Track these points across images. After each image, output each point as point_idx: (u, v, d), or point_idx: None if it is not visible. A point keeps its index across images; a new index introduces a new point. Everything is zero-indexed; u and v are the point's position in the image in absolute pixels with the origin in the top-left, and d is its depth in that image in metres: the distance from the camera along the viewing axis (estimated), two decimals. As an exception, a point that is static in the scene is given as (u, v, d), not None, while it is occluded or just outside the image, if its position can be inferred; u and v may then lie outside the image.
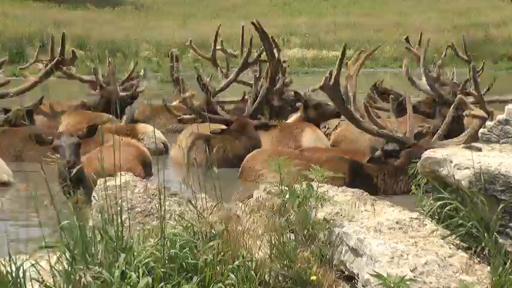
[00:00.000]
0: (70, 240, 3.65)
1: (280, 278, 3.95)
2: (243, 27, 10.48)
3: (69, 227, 3.68)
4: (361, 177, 7.25)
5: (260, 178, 7.56)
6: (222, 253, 3.84)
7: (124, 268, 3.57)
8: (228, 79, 10.26)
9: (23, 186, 6.67)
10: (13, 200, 7.35)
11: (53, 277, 3.60)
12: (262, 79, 9.48)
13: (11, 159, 8.76)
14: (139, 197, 4.82)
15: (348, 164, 7.32)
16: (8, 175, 7.76)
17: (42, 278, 3.64)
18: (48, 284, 3.61)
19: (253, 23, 8.87)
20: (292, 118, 10.65)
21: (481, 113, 6.25)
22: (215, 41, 11.81)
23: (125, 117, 11.04)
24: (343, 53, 6.99)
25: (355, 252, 4.07)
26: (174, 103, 11.93)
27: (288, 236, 4.12)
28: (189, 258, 3.77)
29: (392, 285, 3.56)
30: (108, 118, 10.26)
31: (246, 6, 42.69)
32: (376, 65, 25.68)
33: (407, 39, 11.46)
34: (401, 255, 3.86)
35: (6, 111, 9.91)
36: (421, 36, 11.50)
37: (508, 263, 3.81)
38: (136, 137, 9.50)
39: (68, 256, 3.64)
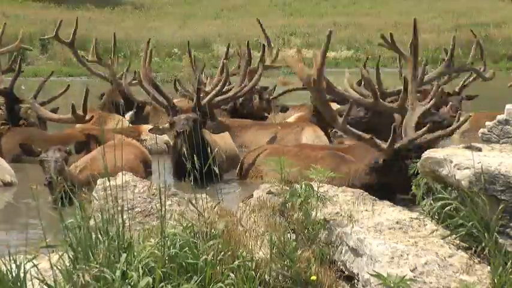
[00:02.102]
0: (73, 239, 3.66)
1: (280, 278, 3.95)
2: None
3: (72, 226, 3.69)
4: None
5: (260, 175, 7.56)
6: (222, 253, 3.85)
7: (125, 268, 3.57)
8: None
9: (25, 187, 6.69)
10: (15, 199, 7.36)
11: (54, 276, 3.61)
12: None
13: (11, 160, 8.75)
14: (139, 197, 4.82)
15: (342, 160, 7.29)
16: (10, 176, 7.77)
17: (42, 277, 3.64)
18: (48, 283, 3.61)
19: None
20: (293, 117, 10.66)
21: None
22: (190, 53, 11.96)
23: (127, 117, 11.07)
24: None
25: (355, 252, 4.07)
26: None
27: (289, 236, 4.13)
28: (189, 258, 3.78)
29: (392, 285, 3.56)
30: (119, 119, 10.32)
31: (246, 6, 42.70)
32: (375, 65, 25.62)
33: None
34: (401, 255, 3.86)
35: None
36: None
37: (508, 263, 3.81)
38: (139, 137, 9.52)
39: (70, 255, 3.64)
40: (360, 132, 6.68)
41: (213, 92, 8.59)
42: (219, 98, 8.62)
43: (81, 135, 8.96)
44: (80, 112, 8.49)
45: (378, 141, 6.35)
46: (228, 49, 11.74)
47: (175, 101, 10.55)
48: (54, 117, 9.32)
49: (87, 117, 8.84)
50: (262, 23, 11.01)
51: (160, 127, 8.12)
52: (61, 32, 11.48)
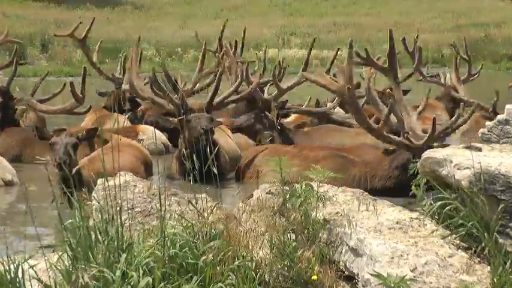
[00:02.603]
0: (72, 239, 3.66)
1: (280, 278, 3.95)
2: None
3: (71, 226, 3.69)
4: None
5: (260, 176, 7.56)
6: (222, 253, 3.85)
7: (125, 268, 3.57)
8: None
9: (25, 186, 6.69)
10: (14, 199, 7.36)
11: (53, 276, 3.60)
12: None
13: (10, 160, 8.76)
14: (139, 197, 4.82)
15: (347, 161, 7.31)
16: (12, 175, 7.78)
17: (41, 277, 3.64)
18: (48, 283, 3.61)
19: None
20: (291, 118, 10.63)
21: None
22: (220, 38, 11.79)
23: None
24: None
25: (355, 252, 4.07)
26: None
27: (289, 236, 4.12)
28: (189, 258, 3.78)
29: (392, 285, 3.56)
30: (124, 119, 10.32)
31: (246, 6, 42.75)
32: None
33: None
34: (402, 255, 3.86)
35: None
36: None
37: (508, 263, 3.81)
38: (136, 137, 9.51)
39: (69, 255, 3.64)
40: (395, 137, 6.81)
41: (227, 92, 8.60)
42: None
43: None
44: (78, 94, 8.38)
45: (411, 139, 6.53)
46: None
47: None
48: (52, 110, 9.30)
49: (85, 109, 8.79)
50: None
51: (170, 119, 8.08)
52: (61, 32, 11.47)
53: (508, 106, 4.85)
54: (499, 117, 4.86)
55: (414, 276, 3.73)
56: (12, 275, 3.57)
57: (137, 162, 7.89)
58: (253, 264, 3.89)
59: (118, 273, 3.52)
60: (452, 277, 3.77)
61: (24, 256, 3.70)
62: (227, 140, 8.81)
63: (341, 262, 4.19)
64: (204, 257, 3.76)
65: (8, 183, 7.68)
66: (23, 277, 3.59)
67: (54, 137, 6.52)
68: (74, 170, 5.82)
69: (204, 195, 4.32)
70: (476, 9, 39.24)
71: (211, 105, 8.06)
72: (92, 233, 3.69)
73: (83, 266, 3.54)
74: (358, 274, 4.01)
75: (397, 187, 6.78)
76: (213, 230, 3.99)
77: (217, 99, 8.33)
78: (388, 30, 7.27)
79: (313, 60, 27.94)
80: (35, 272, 3.65)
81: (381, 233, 4.12)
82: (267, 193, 4.73)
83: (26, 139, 9.19)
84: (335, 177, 4.62)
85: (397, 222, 4.28)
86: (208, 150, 4.29)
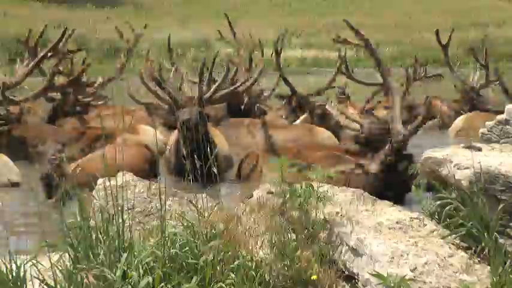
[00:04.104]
0: (73, 239, 3.66)
1: (280, 278, 3.96)
2: None
3: (72, 226, 3.70)
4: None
5: (260, 176, 7.56)
6: (222, 253, 3.85)
7: (125, 268, 3.58)
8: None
9: (29, 186, 6.72)
10: (17, 199, 7.37)
11: (54, 276, 3.61)
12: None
13: (22, 157, 8.82)
14: (139, 197, 4.82)
15: (338, 162, 7.28)
16: (17, 176, 7.82)
17: (42, 277, 3.65)
18: (49, 282, 3.62)
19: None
20: (301, 119, 10.61)
21: None
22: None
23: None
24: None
25: (355, 252, 4.07)
26: None
27: (289, 235, 4.13)
28: (190, 258, 3.78)
29: (392, 285, 3.56)
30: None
31: (246, 6, 42.74)
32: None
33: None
34: (402, 255, 3.86)
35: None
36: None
37: (508, 263, 3.82)
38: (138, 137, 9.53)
39: (70, 255, 3.65)
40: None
41: (214, 87, 8.50)
42: (221, 93, 8.57)
43: (90, 132, 9.10)
44: None
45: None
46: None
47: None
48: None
49: None
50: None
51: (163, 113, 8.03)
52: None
53: (508, 106, 4.85)
54: (499, 117, 4.87)
55: (414, 276, 3.73)
56: (14, 275, 3.58)
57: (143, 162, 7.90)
58: (254, 264, 3.89)
59: (118, 272, 3.52)
60: (452, 277, 3.77)
61: (26, 256, 3.71)
62: (220, 139, 8.80)
63: (341, 262, 4.19)
64: (204, 257, 3.76)
65: (14, 184, 7.73)
66: (24, 277, 3.59)
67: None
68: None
69: (204, 195, 4.33)
70: (476, 9, 39.25)
71: (200, 99, 7.99)
72: (92, 232, 3.70)
73: (84, 266, 3.55)
74: (358, 274, 4.01)
75: (380, 187, 6.58)
76: (213, 230, 3.99)
77: (207, 94, 8.29)
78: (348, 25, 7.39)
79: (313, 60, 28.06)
80: (37, 272, 3.65)
81: (380, 233, 4.13)
82: (267, 193, 4.73)
83: (39, 134, 9.30)
84: (333, 176, 4.62)
85: (397, 222, 4.28)
86: (207, 150, 4.29)
